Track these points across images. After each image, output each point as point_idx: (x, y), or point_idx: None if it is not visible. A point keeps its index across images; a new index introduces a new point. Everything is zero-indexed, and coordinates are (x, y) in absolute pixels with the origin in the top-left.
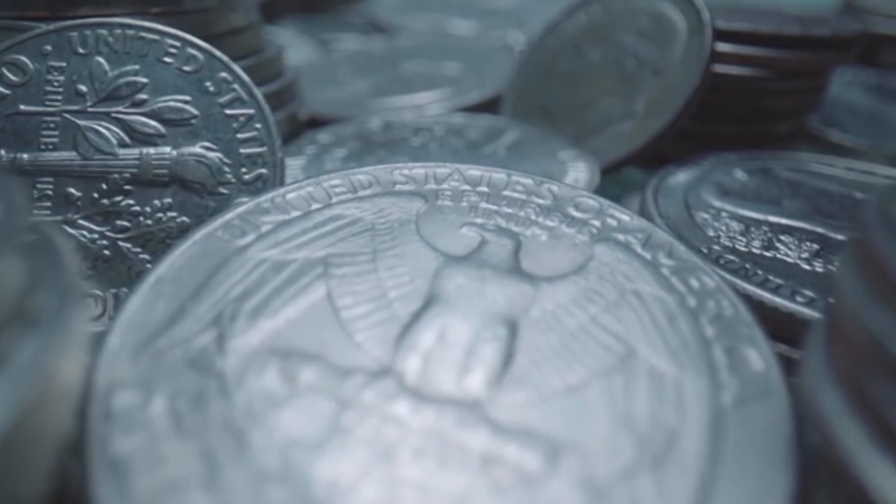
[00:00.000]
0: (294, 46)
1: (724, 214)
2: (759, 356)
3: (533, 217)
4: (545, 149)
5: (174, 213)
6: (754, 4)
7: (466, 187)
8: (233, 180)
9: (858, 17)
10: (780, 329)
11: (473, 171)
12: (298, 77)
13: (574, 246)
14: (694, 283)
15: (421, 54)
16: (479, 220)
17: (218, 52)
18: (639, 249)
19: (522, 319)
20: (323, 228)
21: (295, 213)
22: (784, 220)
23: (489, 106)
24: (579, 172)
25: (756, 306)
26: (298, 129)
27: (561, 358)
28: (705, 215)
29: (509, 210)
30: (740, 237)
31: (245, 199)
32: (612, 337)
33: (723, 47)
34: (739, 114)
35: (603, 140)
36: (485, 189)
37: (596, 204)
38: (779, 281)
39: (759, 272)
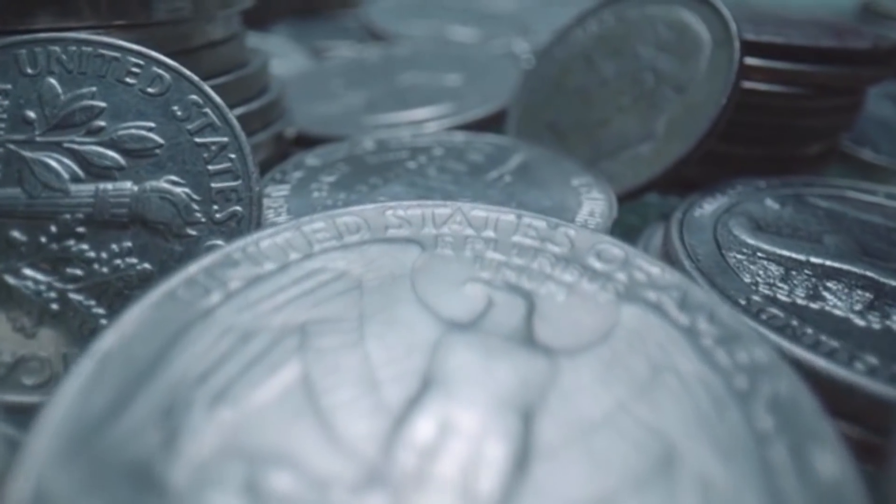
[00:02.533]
0: (284, 55)
1: (759, 255)
2: (830, 459)
3: (548, 270)
4: (556, 174)
5: (134, 260)
6: (770, 10)
7: (470, 232)
8: (203, 220)
9: (880, 22)
10: (838, 403)
11: (478, 212)
12: (286, 90)
13: (597, 307)
14: (742, 356)
15: (419, 65)
16: (486, 275)
17: (187, 71)
18: (674, 312)
19: (538, 406)
20: (302, 286)
21: (270, 266)
22: (828, 262)
23: (492, 122)
24: (596, 204)
25: (808, 374)
26: (285, 148)
27: (585, 461)
28: (739, 256)
29: (520, 261)
30: (781, 284)
31: (218, 242)
32: (646, 431)
33: (751, 61)
34: (768, 134)
35: (619, 164)
36: (491, 234)
37: (621, 253)
38: (833, 343)
39: (809, 330)
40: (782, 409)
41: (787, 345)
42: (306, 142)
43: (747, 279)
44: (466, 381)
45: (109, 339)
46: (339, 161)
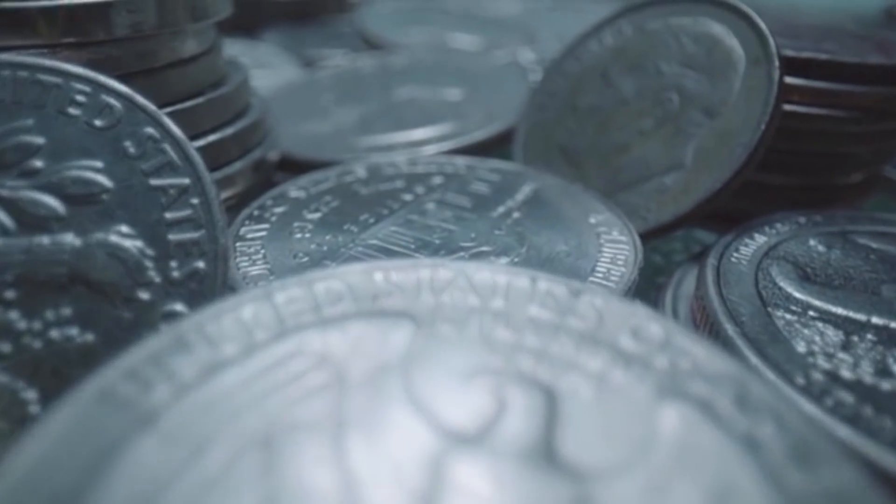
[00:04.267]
0: (273, 65)
1: (812, 314)
2: None
3: (571, 354)
4: (571, 208)
5: (74, 330)
6: (794, 15)
7: (475, 302)
8: (158, 279)
9: None
10: None
11: (484, 275)
12: (269, 110)
13: (634, 407)
14: (826, 477)
15: (417, 77)
16: (496, 363)
17: (141, 99)
18: (729, 414)
19: None
20: (269, 378)
21: (231, 351)
22: (893, 324)
23: (497, 143)
24: (618, 248)
25: (891, 484)
26: (268, 173)
27: None
28: (788, 315)
29: (537, 341)
30: (843, 355)
31: (176, 307)
32: None
33: (790, 80)
34: (806, 162)
35: (641, 196)
36: (501, 305)
37: (660, 331)
38: None
39: (888, 423)
40: None
41: (861, 442)
42: (291, 166)
43: (802, 348)
44: None
45: (23, 462)
46: (325, 193)
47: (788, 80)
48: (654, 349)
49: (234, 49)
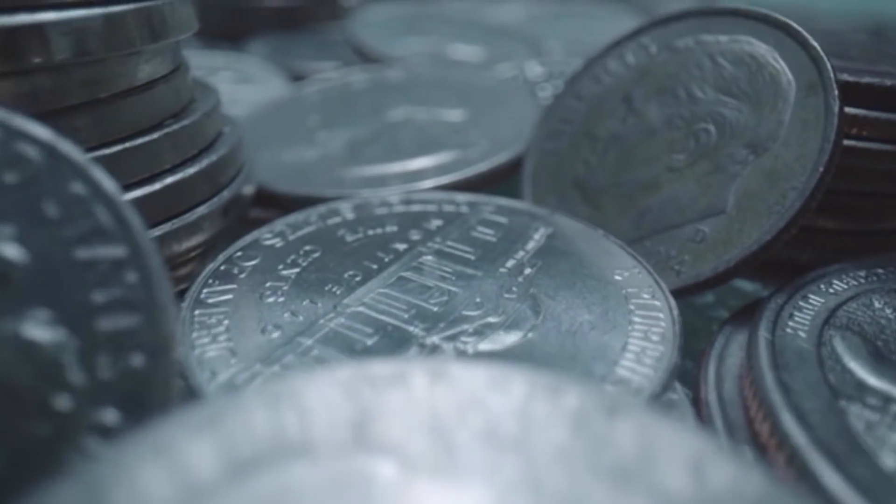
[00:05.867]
0: (257, 80)
1: (894, 408)
2: None
3: (604, 499)
4: (592, 261)
5: None
6: (812, 19)
7: (481, 424)
8: (82, 383)
9: None
10: None
11: (496, 399)
12: (251, 130)
13: None
14: None
15: (413, 96)
16: None
17: (67, 147)
18: None
19: None
20: None
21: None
22: None
23: (504, 174)
24: (651, 316)
25: None
26: (241, 212)
27: None
28: (867, 413)
29: (562, 479)
30: None
31: (108, 418)
32: None
33: (848, 111)
34: (860, 203)
35: (673, 245)
36: (514, 430)
37: (726, 475)
38: None
39: None
40: None
41: None
42: (271, 200)
43: (889, 461)
44: None
45: None
46: (306, 241)
47: (848, 110)
48: (715, 498)
49: (214, 62)
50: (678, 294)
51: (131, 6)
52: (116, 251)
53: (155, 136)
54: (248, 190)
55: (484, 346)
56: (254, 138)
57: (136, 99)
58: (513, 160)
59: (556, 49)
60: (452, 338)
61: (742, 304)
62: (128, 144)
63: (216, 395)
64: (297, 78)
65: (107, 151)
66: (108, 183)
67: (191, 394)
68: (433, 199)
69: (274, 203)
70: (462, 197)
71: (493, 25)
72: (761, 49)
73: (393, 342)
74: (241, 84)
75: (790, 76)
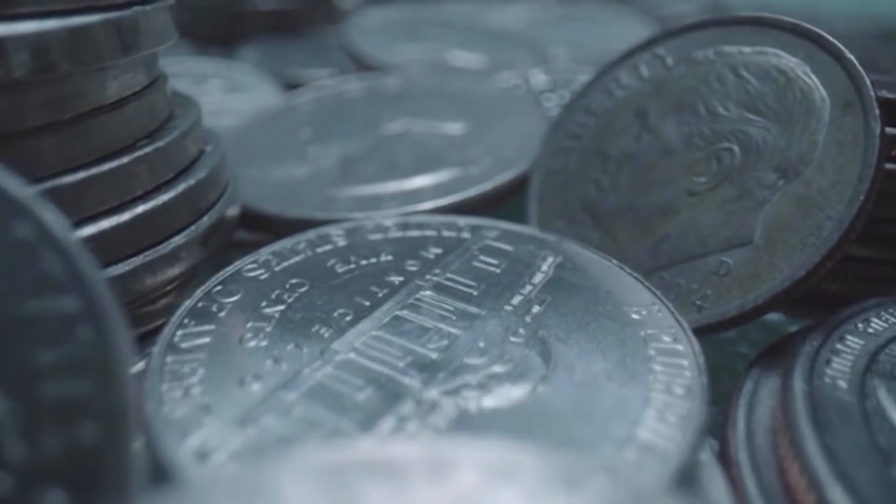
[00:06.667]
0: (247, 88)
1: None
2: None
3: None
4: (606, 296)
5: None
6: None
7: None
8: (22, 459)
9: None
10: None
11: (507, 497)
12: (238, 144)
13: None
14: None
15: (411, 107)
16: None
17: (11, 184)
18: None
19: None
20: None
21: None
22: None
23: (508, 194)
24: (673, 364)
25: None
26: (224, 236)
27: None
28: None
29: None
30: None
31: (52, 499)
32: None
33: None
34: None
35: (694, 277)
36: None
37: None
38: None
39: None
40: None
41: None
42: (258, 221)
43: None
44: None
45: None
46: (292, 272)
47: (889, 130)
48: None
49: (205, 69)
50: (699, 332)
51: (99, 16)
52: (67, 303)
53: (125, 159)
54: (233, 212)
55: (489, 402)
56: (241, 152)
57: (104, 119)
58: (517, 179)
59: (561, 56)
60: (453, 392)
61: (766, 339)
62: (95, 170)
63: (178, 487)
64: (291, 85)
65: (71, 178)
66: (57, 223)
67: (155, 463)
68: (432, 224)
69: (261, 225)
70: (463, 220)
71: (495, 30)
72: (791, 62)
73: (387, 396)
74: (231, 93)
75: (824, 93)
